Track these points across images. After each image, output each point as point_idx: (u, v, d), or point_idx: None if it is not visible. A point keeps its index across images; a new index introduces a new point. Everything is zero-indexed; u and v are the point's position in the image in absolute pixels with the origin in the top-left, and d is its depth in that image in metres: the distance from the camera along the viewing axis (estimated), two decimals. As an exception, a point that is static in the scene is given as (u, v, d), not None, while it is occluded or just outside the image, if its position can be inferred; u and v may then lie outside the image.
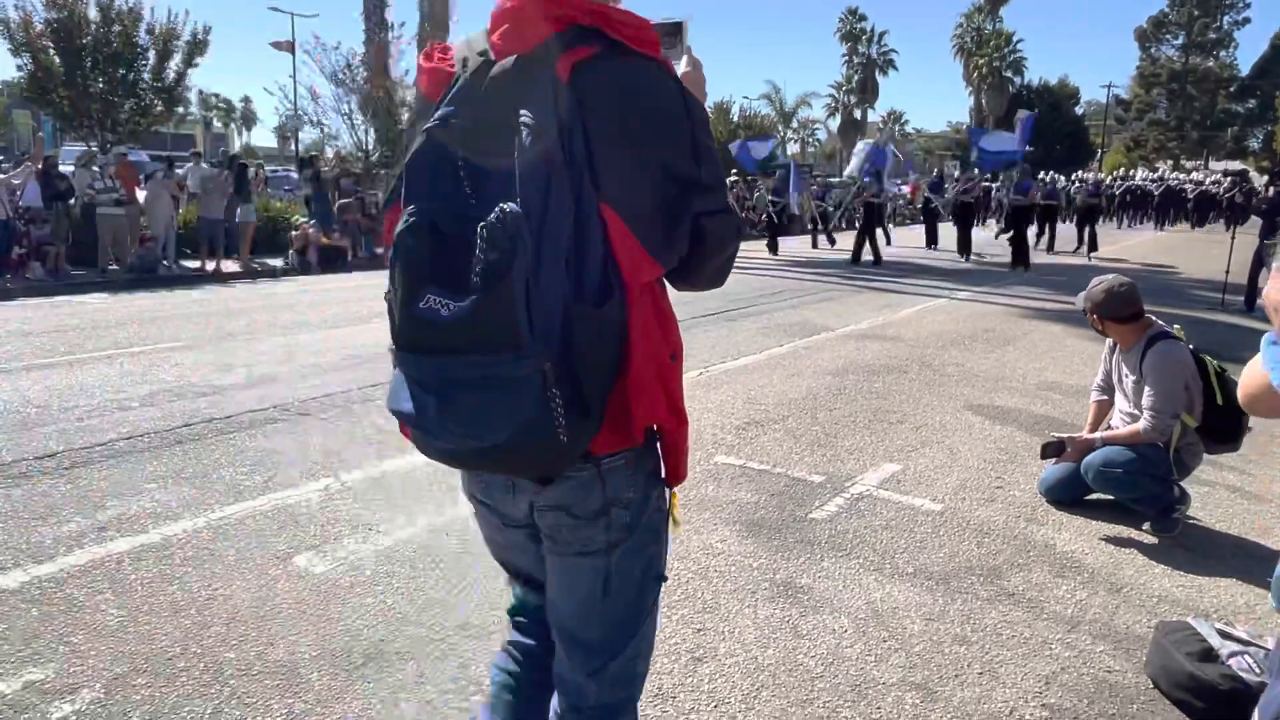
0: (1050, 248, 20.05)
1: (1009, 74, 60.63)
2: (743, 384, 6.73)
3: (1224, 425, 3.97)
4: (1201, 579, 3.56)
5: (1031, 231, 18.50)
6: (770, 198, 20.54)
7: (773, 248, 19.18)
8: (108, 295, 11.82)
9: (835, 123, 67.19)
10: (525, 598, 1.79)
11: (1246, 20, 63.77)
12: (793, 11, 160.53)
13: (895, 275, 14.39)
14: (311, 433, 5.22)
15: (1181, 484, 4.09)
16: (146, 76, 18.99)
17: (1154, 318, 4.16)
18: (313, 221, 15.81)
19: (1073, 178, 33.38)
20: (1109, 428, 4.33)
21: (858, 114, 65.02)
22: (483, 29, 1.48)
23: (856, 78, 63.58)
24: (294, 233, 15.45)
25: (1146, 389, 3.98)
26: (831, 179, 31.17)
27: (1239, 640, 2.73)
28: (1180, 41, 65.03)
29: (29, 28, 17.63)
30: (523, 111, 1.33)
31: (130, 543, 3.61)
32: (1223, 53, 64.58)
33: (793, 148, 70.48)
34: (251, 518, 3.90)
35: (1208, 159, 62.33)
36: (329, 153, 21.67)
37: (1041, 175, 25.05)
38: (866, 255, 16.88)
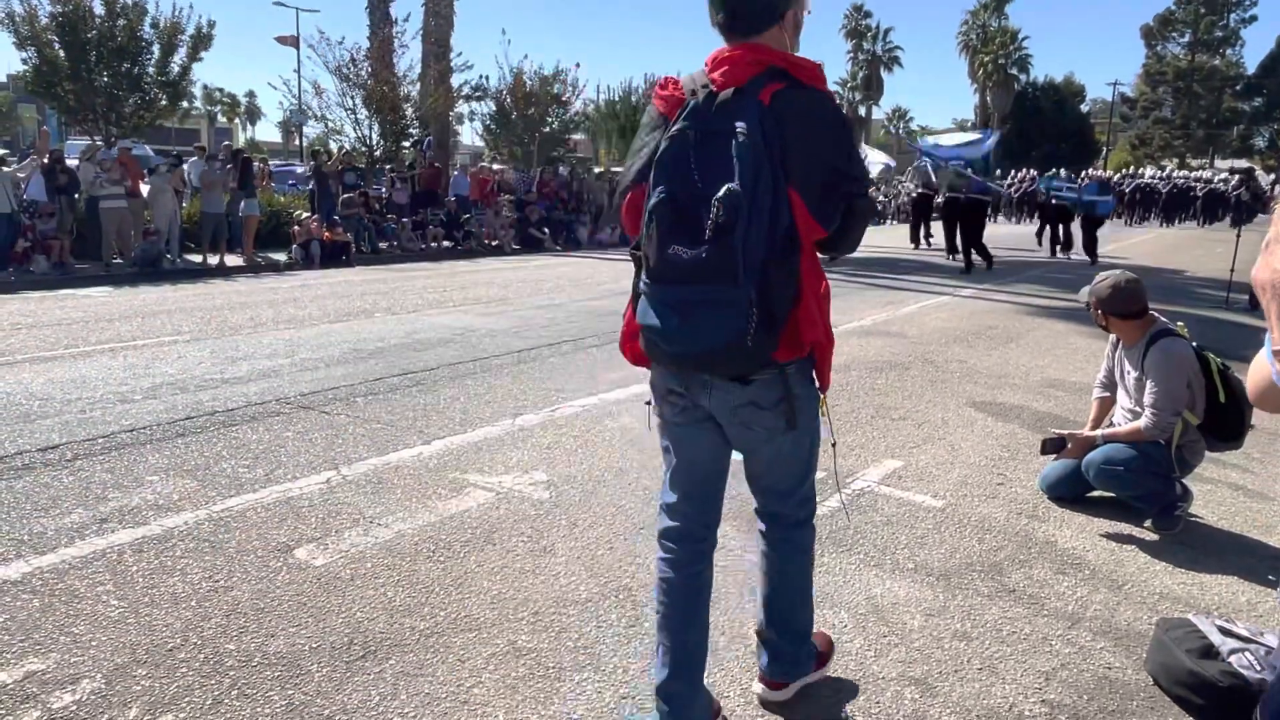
0: (1065, 249, 19.19)
1: (1014, 71, 60.48)
2: (745, 380, 6.72)
3: (1226, 423, 3.95)
4: (1203, 576, 3.55)
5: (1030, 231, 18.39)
6: None
7: None
8: (111, 289, 11.84)
9: (840, 120, 66.87)
10: (686, 501, 2.42)
11: (1253, 18, 63.52)
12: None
13: (898, 272, 14.38)
14: (313, 426, 5.22)
15: (1183, 481, 4.09)
16: (151, 71, 19.03)
17: (1158, 315, 4.15)
18: (316, 216, 15.82)
19: (1082, 175, 33.73)
20: (1111, 425, 4.32)
21: (862, 111, 64.90)
22: (702, 69, 2.15)
23: (861, 74, 63.46)
24: (297, 227, 15.46)
25: (1148, 386, 3.97)
26: None
27: (1240, 637, 2.73)
28: (1186, 39, 64.82)
29: (34, 21, 17.66)
30: (738, 124, 1.99)
31: (131, 534, 3.62)
32: (1229, 51, 64.37)
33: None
34: (252, 510, 3.91)
35: (1213, 157, 62.17)
36: (333, 147, 21.68)
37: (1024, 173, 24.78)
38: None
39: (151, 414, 5.41)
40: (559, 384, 6.45)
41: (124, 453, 4.67)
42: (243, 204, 14.99)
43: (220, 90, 78.75)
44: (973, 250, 15.72)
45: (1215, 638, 2.72)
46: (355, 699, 2.55)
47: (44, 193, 13.20)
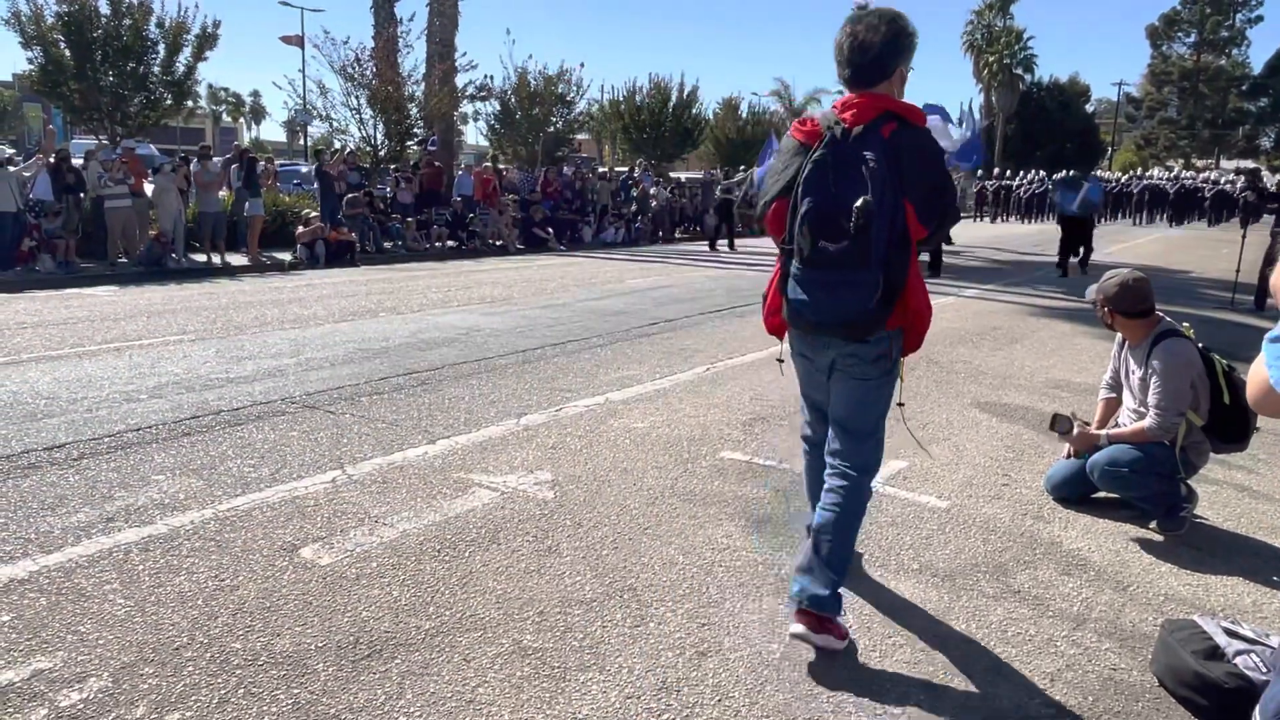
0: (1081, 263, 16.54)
1: (1019, 71, 60.32)
2: (749, 380, 6.73)
3: (1231, 425, 3.95)
4: (1208, 577, 3.55)
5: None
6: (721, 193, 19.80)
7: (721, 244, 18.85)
8: (116, 288, 11.87)
9: (844, 119, 66.82)
10: (819, 425, 3.23)
11: (1259, 18, 63.38)
12: (802, 7, 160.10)
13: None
14: (318, 425, 5.23)
15: (1188, 482, 4.08)
16: (156, 70, 19.05)
17: (1164, 315, 4.14)
18: (319, 215, 15.83)
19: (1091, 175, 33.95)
20: (1116, 425, 4.31)
21: (867, 111, 64.68)
22: (832, 110, 2.86)
23: (866, 74, 63.24)
24: (302, 226, 15.48)
25: (1152, 386, 3.96)
26: None
27: (1245, 639, 2.72)
28: (1192, 39, 64.65)
29: (40, 21, 17.70)
30: (867, 154, 2.71)
31: (138, 533, 3.63)
32: (1235, 50, 64.15)
33: (801, 144, 70.22)
34: (258, 509, 3.92)
35: (1219, 158, 62.02)
36: (336, 146, 21.70)
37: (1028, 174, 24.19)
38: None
39: (157, 413, 5.42)
40: (564, 384, 6.46)
41: (130, 452, 4.68)
42: (248, 204, 15.01)
43: (225, 90, 78.94)
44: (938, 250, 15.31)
45: (1221, 639, 2.71)
46: (361, 698, 2.55)
47: (50, 192, 13.23)
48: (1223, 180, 38.46)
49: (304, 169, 25.25)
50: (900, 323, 2.87)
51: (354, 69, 20.23)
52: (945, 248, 17.13)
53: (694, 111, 36.19)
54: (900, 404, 3.09)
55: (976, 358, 7.82)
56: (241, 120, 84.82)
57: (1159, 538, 3.93)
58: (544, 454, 4.79)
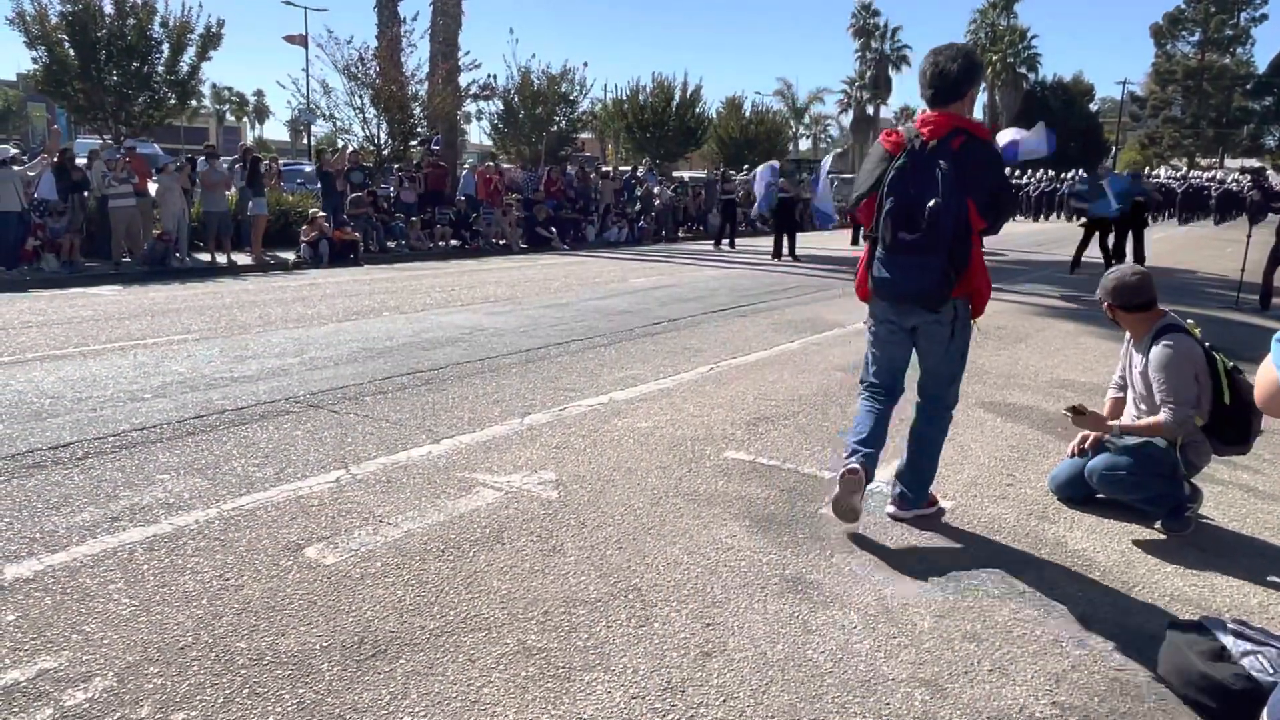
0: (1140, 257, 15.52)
1: (1023, 70, 60.25)
2: (753, 380, 6.72)
3: (1232, 426, 3.92)
4: (1214, 578, 3.54)
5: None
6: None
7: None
8: (120, 287, 11.89)
9: (848, 119, 66.94)
10: (885, 374, 3.93)
11: (1264, 17, 63.26)
12: (805, 7, 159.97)
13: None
14: (323, 425, 5.23)
15: (1192, 481, 4.07)
16: (160, 69, 19.09)
17: (1167, 310, 4.14)
18: (323, 214, 15.84)
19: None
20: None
21: (870, 110, 64.75)
22: (913, 125, 3.58)
23: (869, 73, 63.29)
24: (306, 226, 15.49)
25: (1157, 381, 3.93)
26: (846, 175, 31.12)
27: (1252, 640, 2.71)
28: (1196, 38, 64.55)
29: (44, 20, 17.73)
30: (940, 161, 3.43)
31: (143, 533, 3.63)
32: (1239, 49, 64.07)
33: (804, 144, 70.31)
34: (263, 509, 3.92)
35: (1223, 157, 61.89)
36: (339, 145, 21.71)
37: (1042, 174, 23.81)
38: None
39: (162, 412, 5.42)
40: (567, 383, 6.46)
41: (134, 451, 4.69)
42: (251, 203, 15.03)
43: (229, 89, 78.99)
44: None
45: (1227, 640, 2.71)
46: (366, 698, 2.55)
47: (54, 191, 13.26)
48: (1229, 180, 38.64)
49: (308, 168, 25.25)
50: (964, 293, 3.63)
51: (357, 68, 20.25)
52: None
53: (697, 111, 36.20)
54: (976, 330, 3.93)
55: (981, 357, 7.80)
56: (245, 120, 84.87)
57: (1165, 538, 3.92)
58: (548, 453, 4.79)
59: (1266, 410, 1.62)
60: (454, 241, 18.46)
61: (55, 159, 13.42)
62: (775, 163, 20.03)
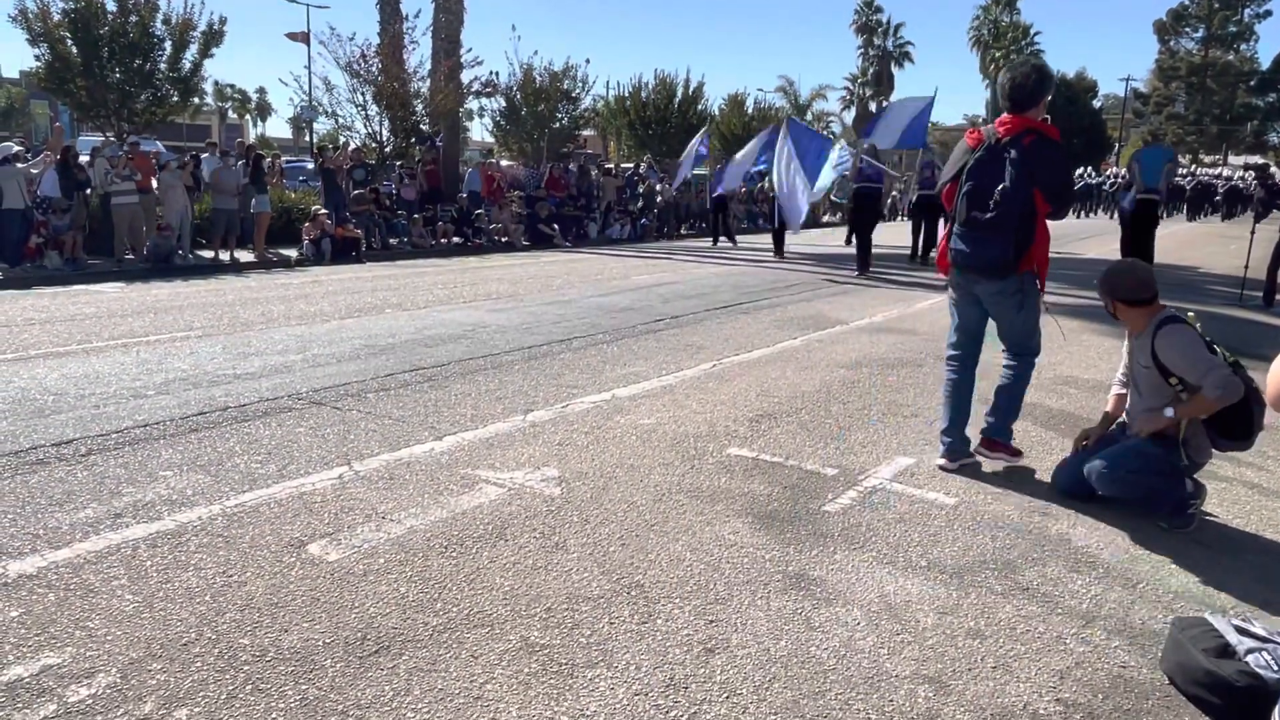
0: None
1: (1026, 67, 60.06)
2: (756, 377, 6.71)
3: (1233, 422, 3.92)
4: (1219, 575, 3.53)
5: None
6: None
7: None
8: (124, 284, 11.90)
9: (850, 116, 66.87)
10: (961, 335, 4.72)
11: (1268, 13, 63.07)
12: (808, 4, 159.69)
13: (910, 269, 14.33)
14: (325, 421, 5.24)
15: (1195, 477, 4.06)
16: (163, 67, 19.09)
17: (1167, 304, 4.13)
18: (328, 212, 15.85)
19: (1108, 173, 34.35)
20: (1123, 422, 4.30)
21: (873, 107, 64.65)
22: (993, 126, 4.36)
23: (872, 70, 63.27)
24: (308, 223, 15.49)
25: (1183, 362, 3.88)
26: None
27: (1256, 637, 2.71)
28: (1200, 34, 64.39)
29: (47, 18, 17.73)
30: (1011, 153, 4.20)
31: (146, 529, 3.63)
32: (1243, 46, 63.90)
33: (807, 140, 70.04)
34: (266, 505, 3.92)
35: (1227, 153, 61.75)
36: (341, 141, 21.70)
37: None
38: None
39: (164, 409, 5.43)
40: (570, 380, 6.45)
41: (137, 448, 4.69)
42: (254, 200, 15.03)
43: (231, 86, 78.95)
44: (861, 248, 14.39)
45: (1232, 637, 2.70)
46: (369, 694, 2.55)
47: (57, 189, 13.26)
48: (1235, 176, 38.83)
49: (310, 165, 25.27)
50: (1028, 268, 4.35)
51: (359, 65, 20.24)
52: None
53: (699, 107, 36.13)
54: (1047, 305, 4.63)
55: (983, 354, 7.78)
56: (248, 117, 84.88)
57: (1169, 535, 3.91)
58: (550, 450, 4.79)
59: (1278, 407, 1.60)
60: (456, 239, 18.45)
61: (58, 156, 13.42)
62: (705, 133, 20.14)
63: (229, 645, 2.78)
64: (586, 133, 37.88)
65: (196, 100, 22.25)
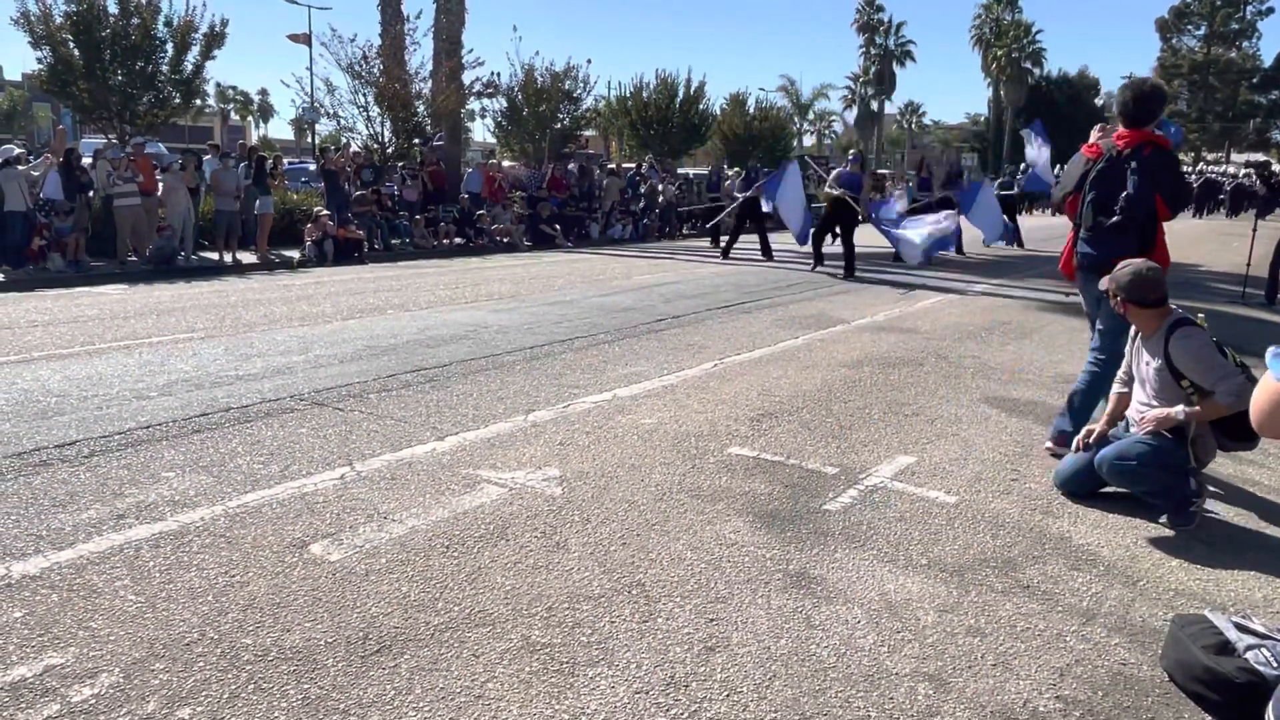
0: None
1: (1028, 65, 60.12)
2: (757, 376, 6.72)
3: (1239, 422, 3.92)
4: (1219, 572, 3.53)
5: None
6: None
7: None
8: (126, 286, 11.92)
9: (852, 115, 66.84)
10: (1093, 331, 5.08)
11: (1270, 10, 62.89)
12: (809, 3, 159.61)
13: (911, 269, 14.32)
14: (327, 422, 5.25)
15: (1197, 478, 4.06)
16: (165, 69, 19.07)
17: (1176, 305, 4.13)
18: (330, 213, 15.87)
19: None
20: (1126, 422, 4.30)
21: (875, 106, 64.64)
22: (1111, 140, 4.84)
23: (874, 69, 63.20)
24: (310, 224, 15.51)
25: (1199, 366, 3.91)
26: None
27: (1256, 634, 2.71)
28: (1202, 32, 64.27)
29: (49, 20, 17.74)
30: (1132, 164, 4.68)
31: (148, 530, 3.65)
32: (1245, 43, 63.78)
33: (809, 140, 70.16)
34: (268, 505, 3.93)
35: (1230, 151, 61.64)
36: (343, 142, 21.70)
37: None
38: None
39: (167, 411, 5.44)
40: (571, 380, 6.46)
41: (140, 449, 4.71)
42: (258, 201, 15.05)
43: (233, 88, 79.10)
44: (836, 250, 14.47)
45: (1231, 634, 2.70)
46: (370, 693, 2.56)
47: (60, 191, 13.29)
48: (1240, 174, 38.99)
49: (312, 167, 25.30)
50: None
51: (361, 67, 20.22)
52: (957, 256, 16.92)
53: (701, 107, 36.11)
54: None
55: (985, 353, 7.79)
56: (250, 118, 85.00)
57: (1170, 532, 3.91)
58: (552, 450, 4.80)
59: (1262, 429, 1.56)
60: (458, 239, 18.47)
61: (60, 159, 13.44)
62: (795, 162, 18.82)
63: (231, 645, 2.79)
64: (588, 133, 37.85)
65: (198, 102, 22.25)
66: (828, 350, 7.78)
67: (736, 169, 24.49)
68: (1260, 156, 52.29)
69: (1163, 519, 4.00)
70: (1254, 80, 62.83)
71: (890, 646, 2.89)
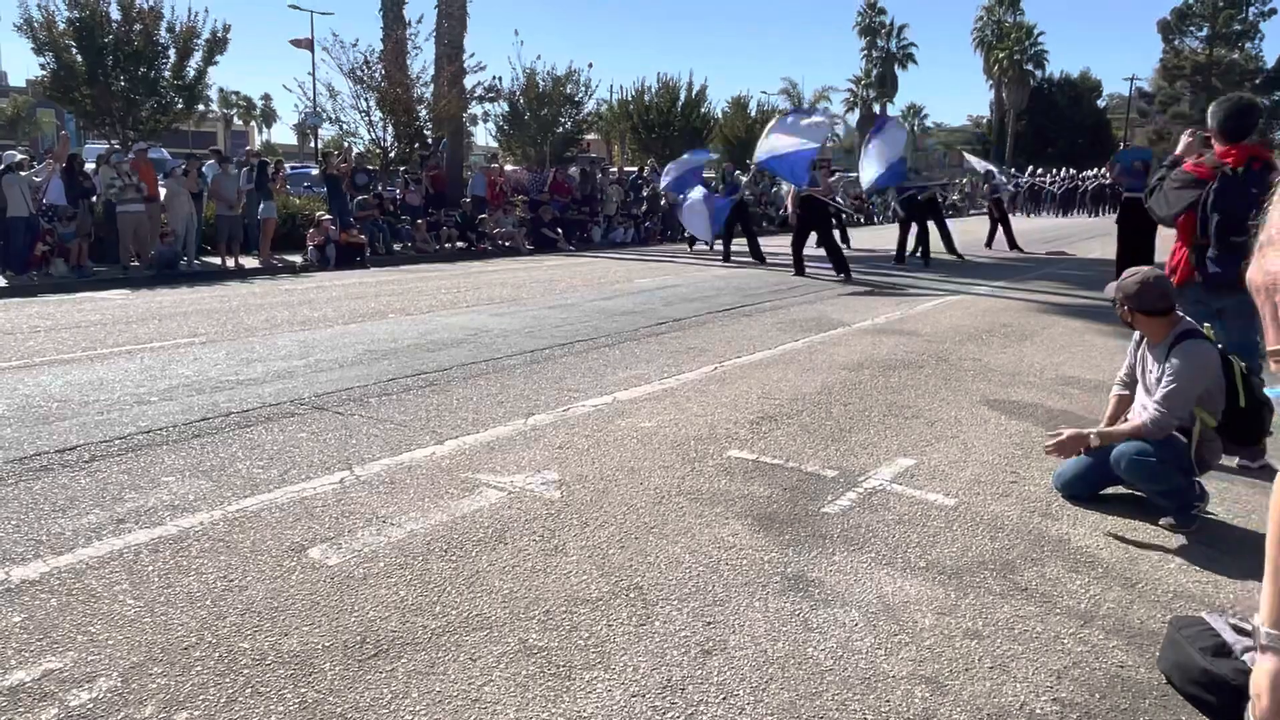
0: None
1: (1030, 67, 60.10)
2: (757, 379, 6.72)
3: (1245, 428, 3.93)
4: (1217, 575, 3.53)
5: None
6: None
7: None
8: (129, 291, 11.95)
9: (854, 117, 66.85)
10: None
11: (1272, 11, 62.79)
12: (811, 6, 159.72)
13: (913, 271, 14.32)
14: (327, 426, 5.26)
15: (1200, 481, 4.06)
16: (167, 74, 19.13)
17: (1184, 314, 4.12)
18: (332, 217, 15.90)
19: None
20: (1126, 421, 4.29)
21: (877, 108, 64.63)
22: (1214, 155, 4.85)
23: (875, 72, 63.19)
24: (312, 229, 15.54)
25: (1164, 383, 3.93)
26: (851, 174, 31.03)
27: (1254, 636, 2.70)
28: (1204, 33, 64.19)
29: (52, 27, 17.81)
30: (1250, 181, 4.61)
31: (148, 534, 3.65)
32: (1248, 44, 63.69)
33: (811, 142, 70.05)
34: (267, 510, 3.94)
35: (1232, 152, 61.36)
36: (345, 145, 21.74)
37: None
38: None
39: (168, 415, 5.45)
40: (571, 384, 6.47)
41: (140, 454, 4.72)
42: (260, 207, 15.08)
43: (236, 93, 79.24)
44: (804, 252, 14.32)
45: (1229, 636, 2.70)
46: (367, 697, 2.57)
47: (63, 196, 13.33)
48: None
49: (314, 172, 25.34)
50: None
51: (363, 71, 20.28)
52: (954, 257, 16.86)
53: (702, 110, 36.15)
54: None
55: (986, 355, 7.79)
56: (253, 123, 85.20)
57: (1168, 535, 3.91)
58: (551, 454, 4.80)
59: None
60: (460, 243, 18.49)
61: (63, 164, 13.48)
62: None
63: (229, 649, 2.80)
64: (590, 137, 37.90)
65: (201, 107, 22.31)
66: (828, 353, 7.78)
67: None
68: (1263, 157, 52.11)
69: (1162, 521, 3.99)
70: (1256, 81, 62.70)
71: (888, 649, 2.89)
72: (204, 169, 15.94)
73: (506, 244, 19.01)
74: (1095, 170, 43.17)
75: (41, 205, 13.17)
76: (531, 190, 21.64)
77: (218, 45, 19.84)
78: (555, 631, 2.94)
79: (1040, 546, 3.74)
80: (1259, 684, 1.47)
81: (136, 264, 13.78)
